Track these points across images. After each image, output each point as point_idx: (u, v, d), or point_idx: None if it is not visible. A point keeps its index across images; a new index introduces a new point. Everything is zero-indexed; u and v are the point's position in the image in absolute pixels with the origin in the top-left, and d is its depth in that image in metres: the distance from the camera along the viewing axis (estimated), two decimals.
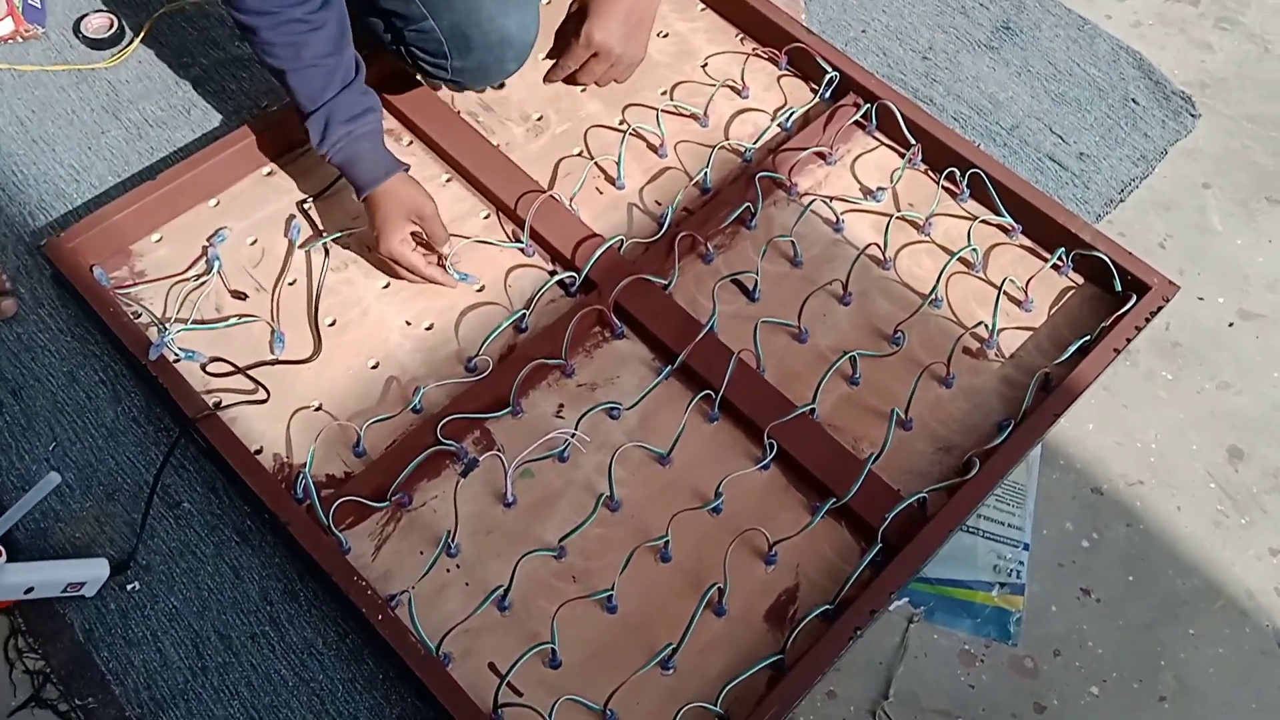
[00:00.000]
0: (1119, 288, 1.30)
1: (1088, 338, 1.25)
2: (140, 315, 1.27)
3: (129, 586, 1.14)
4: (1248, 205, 1.51)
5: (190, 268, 1.31)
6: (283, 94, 1.48)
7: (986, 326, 1.28)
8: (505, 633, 1.10)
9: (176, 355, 1.23)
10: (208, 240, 1.33)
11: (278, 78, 1.20)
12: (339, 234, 1.31)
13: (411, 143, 1.43)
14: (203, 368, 1.24)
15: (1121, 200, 1.49)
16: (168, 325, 1.24)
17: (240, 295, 1.29)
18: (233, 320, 1.27)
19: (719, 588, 1.10)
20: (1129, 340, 1.25)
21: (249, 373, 1.23)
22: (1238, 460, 1.30)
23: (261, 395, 1.20)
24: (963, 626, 1.18)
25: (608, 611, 1.11)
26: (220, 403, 1.21)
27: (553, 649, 1.07)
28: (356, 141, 1.21)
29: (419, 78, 1.41)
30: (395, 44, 1.31)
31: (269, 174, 1.40)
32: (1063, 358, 1.24)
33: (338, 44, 1.18)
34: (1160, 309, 1.27)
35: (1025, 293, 1.32)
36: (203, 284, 1.29)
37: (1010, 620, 1.18)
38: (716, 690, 1.06)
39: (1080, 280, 1.35)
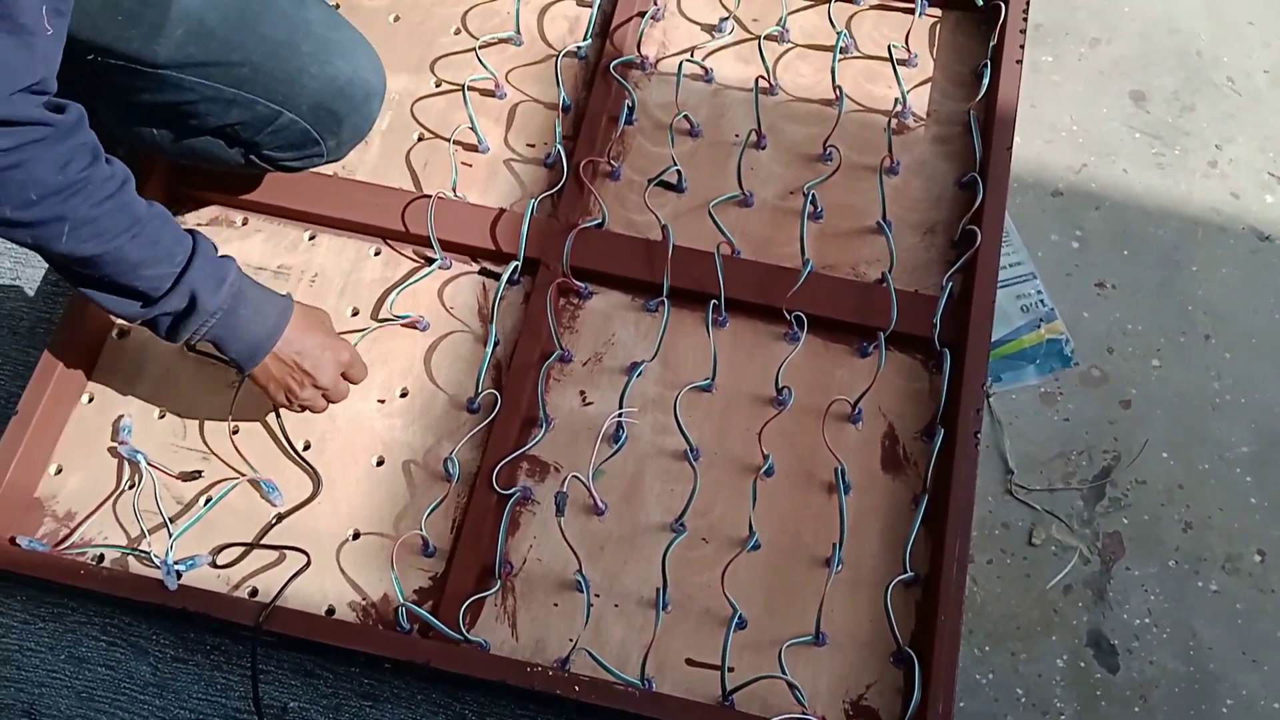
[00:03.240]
0: (980, 1, 1.30)
1: (986, 63, 1.27)
2: (102, 558, 1.10)
3: None
4: None
5: (120, 481, 1.13)
6: None
7: (898, 100, 1.27)
8: (680, 626, 1.07)
9: (178, 571, 1.07)
10: (114, 441, 1.14)
11: (103, 271, 0.92)
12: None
13: (247, 221, 1.25)
14: (213, 565, 1.08)
15: None
16: (147, 550, 1.07)
17: (193, 475, 1.13)
18: (208, 502, 1.11)
19: (837, 469, 1.09)
20: (1022, 47, 1.27)
21: (264, 544, 1.09)
22: (1143, 101, 1.37)
23: (301, 560, 1.07)
24: (1029, 375, 1.22)
25: (754, 551, 1.09)
26: (255, 591, 1.08)
27: (740, 615, 1.04)
28: (238, 297, 0.99)
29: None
30: (248, 156, 1.11)
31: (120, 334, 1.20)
32: (981, 94, 1.25)
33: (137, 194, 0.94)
34: (1029, 3, 1.29)
35: (908, 49, 1.31)
36: (141, 488, 1.11)
37: (1063, 345, 1.23)
38: (889, 561, 1.07)
39: (940, 12, 1.34)
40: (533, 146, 1.28)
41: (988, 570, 1.13)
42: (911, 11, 1.33)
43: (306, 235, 1.24)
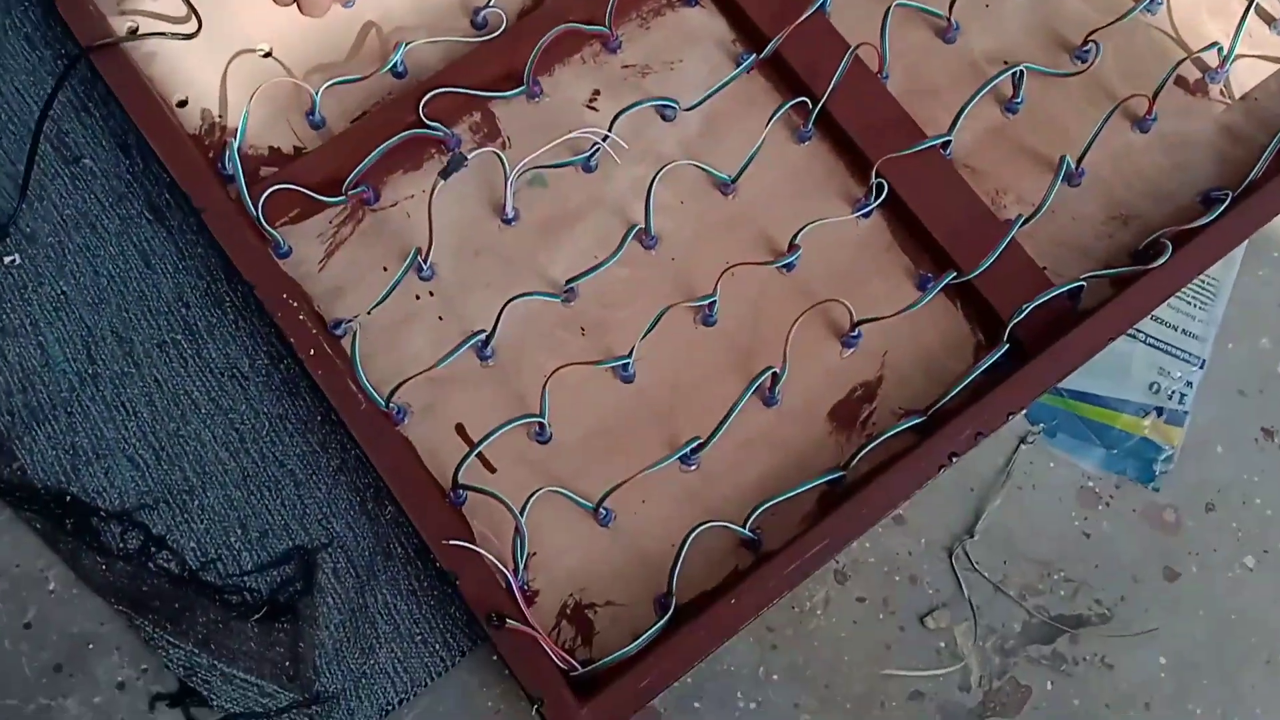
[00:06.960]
0: None
1: None
2: None
3: (7, 259, 0.87)
4: None
5: None
6: None
7: (1219, 51, 0.89)
8: (484, 389, 0.83)
9: None
10: None
11: None
12: None
13: None
14: None
15: None
16: None
17: None
18: None
19: (774, 371, 0.81)
20: None
21: None
22: None
23: (191, 25, 0.87)
24: (1092, 457, 0.89)
25: (622, 380, 0.83)
26: (136, 28, 0.89)
27: (541, 422, 0.80)
28: None
29: None
30: None
31: None
32: None
33: None
34: None
35: None
36: None
37: (1158, 457, 0.88)
38: (749, 504, 0.79)
39: None
40: None
41: None
42: None
43: None
